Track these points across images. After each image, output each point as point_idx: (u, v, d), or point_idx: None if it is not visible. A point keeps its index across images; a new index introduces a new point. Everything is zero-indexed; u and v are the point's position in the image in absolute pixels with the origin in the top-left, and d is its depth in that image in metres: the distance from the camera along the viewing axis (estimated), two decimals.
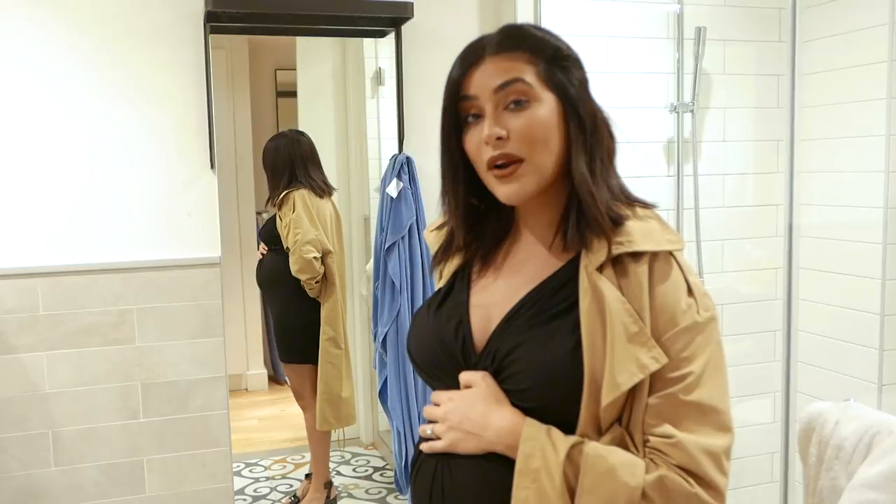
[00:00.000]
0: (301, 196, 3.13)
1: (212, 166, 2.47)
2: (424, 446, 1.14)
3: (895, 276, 2.60)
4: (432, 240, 1.27)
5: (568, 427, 1.03)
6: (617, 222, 1.06)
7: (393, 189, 2.63)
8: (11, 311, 2.35)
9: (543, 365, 1.04)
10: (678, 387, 1.00)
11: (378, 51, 3.23)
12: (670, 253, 1.06)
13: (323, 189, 3.22)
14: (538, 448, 1.01)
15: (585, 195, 1.06)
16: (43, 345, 2.38)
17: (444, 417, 1.11)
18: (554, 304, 1.07)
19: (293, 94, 3.78)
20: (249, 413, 4.28)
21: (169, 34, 2.43)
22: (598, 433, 1.03)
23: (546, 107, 1.07)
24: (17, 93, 2.33)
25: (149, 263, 2.45)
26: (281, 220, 3.17)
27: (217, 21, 2.46)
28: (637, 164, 2.79)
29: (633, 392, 1.01)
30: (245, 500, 3.31)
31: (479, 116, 1.09)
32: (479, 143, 1.08)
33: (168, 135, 2.45)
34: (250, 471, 3.61)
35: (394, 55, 2.70)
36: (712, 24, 2.82)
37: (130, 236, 2.45)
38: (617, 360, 1.00)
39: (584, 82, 1.11)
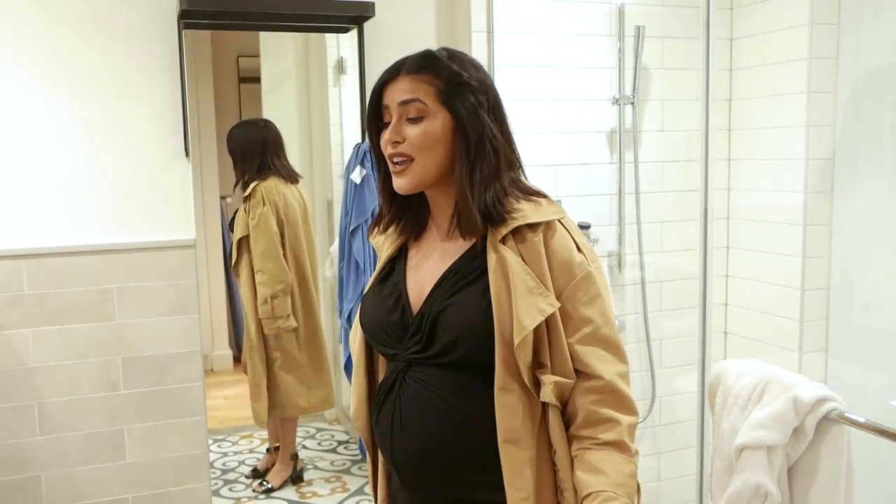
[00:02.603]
0: (269, 189, 3.19)
1: (186, 154, 2.57)
2: None
3: (814, 255, 2.82)
4: (375, 242, 1.53)
5: (489, 369, 1.28)
6: (500, 213, 1.30)
7: (357, 176, 2.76)
8: None
9: (464, 320, 1.29)
10: (589, 328, 1.29)
11: (339, 41, 3.26)
12: (559, 221, 1.32)
13: (292, 175, 3.29)
14: None
15: (460, 197, 1.31)
16: (28, 322, 2.45)
17: None
18: (468, 272, 1.33)
19: (256, 80, 3.75)
20: (216, 392, 4.34)
21: (143, 31, 2.51)
22: (515, 376, 1.27)
23: (438, 122, 1.32)
24: (2, 86, 2.40)
25: (128, 245, 2.53)
26: (246, 212, 3.23)
27: (190, 18, 2.55)
28: (582, 153, 2.95)
29: (548, 336, 1.28)
30: (214, 472, 3.42)
31: (389, 122, 1.35)
32: (386, 143, 1.34)
33: (145, 125, 2.53)
34: (218, 446, 3.69)
35: (355, 47, 2.81)
36: (651, 23, 2.95)
37: (111, 220, 2.52)
38: (521, 309, 1.25)
39: (477, 106, 1.32)
